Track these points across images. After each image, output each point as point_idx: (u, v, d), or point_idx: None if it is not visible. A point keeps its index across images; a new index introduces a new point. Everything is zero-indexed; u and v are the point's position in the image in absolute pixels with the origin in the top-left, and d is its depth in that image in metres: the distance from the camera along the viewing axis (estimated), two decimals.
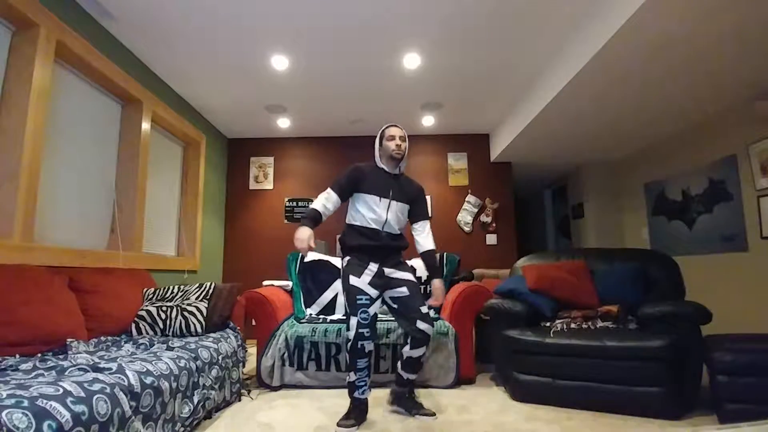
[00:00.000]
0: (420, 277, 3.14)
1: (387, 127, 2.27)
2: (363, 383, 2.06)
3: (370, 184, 2.19)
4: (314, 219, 2.06)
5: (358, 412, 2.07)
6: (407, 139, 2.27)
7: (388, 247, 2.19)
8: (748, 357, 1.90)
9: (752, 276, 3.18)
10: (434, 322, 2.20)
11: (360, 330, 2.01)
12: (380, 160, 2.27)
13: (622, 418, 2.08)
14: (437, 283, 2.27)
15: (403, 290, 2.14)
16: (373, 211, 2.16)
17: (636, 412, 2.10)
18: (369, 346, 2.04)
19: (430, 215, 2.35)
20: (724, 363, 1.94)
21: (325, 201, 2.12)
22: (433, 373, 2.66)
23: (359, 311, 2.03)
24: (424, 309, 2.12)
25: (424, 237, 2.31)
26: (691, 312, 2.12)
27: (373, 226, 2.16)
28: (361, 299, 2.06)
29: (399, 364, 2.21)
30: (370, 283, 2.10)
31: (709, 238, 3.58)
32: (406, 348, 2.15)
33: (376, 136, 2.29)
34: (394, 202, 2.20)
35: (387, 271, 2.16)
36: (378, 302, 2.13)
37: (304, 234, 1.98)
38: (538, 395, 2.30)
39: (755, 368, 1.88)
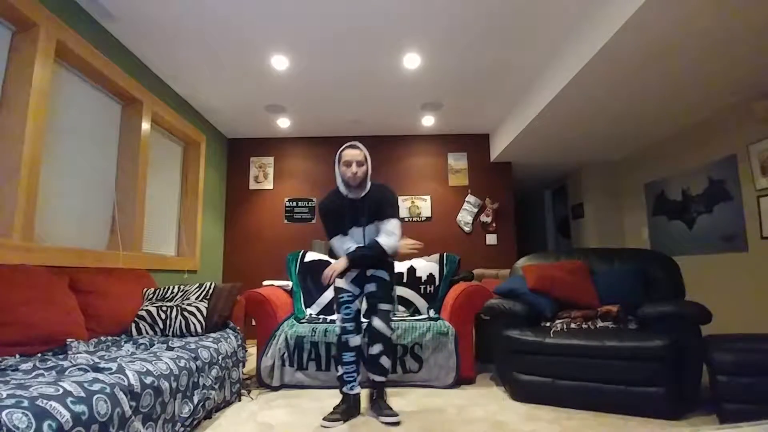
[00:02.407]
0: (420, 277, 3.15)
1: (343, 150, 2.14)
2: (351, 378, 2.14)
3: (340, 221, 2.18)
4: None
5: (345, 407, 2.11)
6: (368, 161, 2.15)
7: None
8: (748, 357, 1.90)
9: (752, 276, 3.18)
10: (391, 324, 2.20)
11: (343, 324, 2.16)
12: (341, 187, 2.17)
13: (622, 418, 2.08)
14: (337, 263, 2.10)
15: (372, 286, 2.21)
16: (351, 239, 2.20)
17: (636, 412, 2.10)
18: (353, 340, 2.15)
19: (392, 215, 2.18)
20: (724, 363, 1.94)
21: (342, 243, 2.18)
22: (433, 373, 2.66)
23: (342, 307, 2.18)
24: (383, 306, 2.17)
25: (383, 233, 2.15)
26: (691, 312, 2.11)
27: (353, 248, 2.16)
28: (343, 297, 2.19)
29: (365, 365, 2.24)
30: (352, 281, 2.20)
31: (709, 238, 3.58)
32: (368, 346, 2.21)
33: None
34: (368, 227, 2.20)
35: (369, 271, 2.24)
36: (361, 298, 2.25)
37: (340, 266, 2.07)
38: (538, 395, 2.30)
39: (755, 368, 1.88)
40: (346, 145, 2.17)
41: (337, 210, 2.18)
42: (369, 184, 2.21)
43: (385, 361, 2.15)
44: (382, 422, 2.04)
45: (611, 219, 5.03)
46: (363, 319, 2.68)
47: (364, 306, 2.28)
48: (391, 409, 2.09)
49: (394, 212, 2.19)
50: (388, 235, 2.14)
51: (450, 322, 2.76)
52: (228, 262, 4.76)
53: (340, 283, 2.20)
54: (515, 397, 2.39)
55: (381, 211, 2.17)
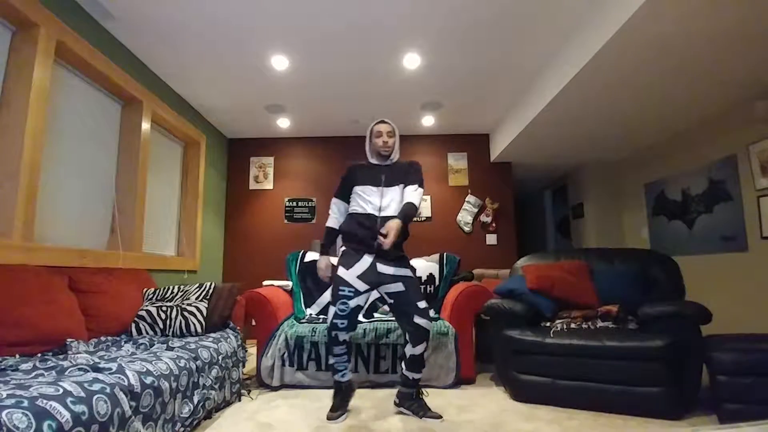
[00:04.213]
0: (420, 277, 3.14)
1: (375, 124, 2.31)
2: (342, 367, 2.14)
3: (362, 177, 2.26)
4: (331, 242, 2.27)
5: (341, 396, 2.13)
6: (397, 134, 2.30)
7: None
8: (748, 357, 1.90)
9: (752, 276, 3.18)
10: (432, 320, 2.19)
11: (335, 320, 2.06)
12: (371, 156, 2.32)
13: (623, 418, 2.08)
14: (392, 222, 1.98)
15: (399, 286, 2.12)
16: (368, 200, 2.19)
17: (636, 412, 2.10)
18: (343, 335, 2.09)
19: (421, 184, 2.25)
20: (724, 363, 1.94)
21: (337, 213, 2.34)
22: (433, 373, 2.65)
23: (338, 301, 2.06)
24: (421, 304, 2.11)
25: (409, 193, 2.17)
26: (691, 312, 2.11)
27: (370, 211, 2.17)
28: (344, 290, 2.07)
29: (403, 364, 2.19)
30: (359, 276, 2.10)
31: (709, 238, 3.58)
32: (408, 346, 2.15)
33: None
34: (386, 189, 2.22)
35: (381, 267, 2.12)
36: (365, 296, 2.13)
37: (323, 264, 2.27)
38: (538, 395, 2.30)
39: (755, 368, 1.88)
40: (377, 120, 2.32)
41: (362, 170, 2.29)
42: (397, 156, 2.33)
43: (425, 357, 2.20)
44: (427, 422, 2.06)
45: (611, 219, 5.03)
46: (361, 318, 2.68)
47: (369, 300, 2.23)
48: (430, 410, 2.12)
49: (417, 179, 2.23)
50: (414, 191, 2.18)
51: (450, 322, 2.76)
52: (228, 263, 4.76)
53: (344, 274, 2.09)
54: (515, 397, 2.39)
55: (407, 177, 2.26)
